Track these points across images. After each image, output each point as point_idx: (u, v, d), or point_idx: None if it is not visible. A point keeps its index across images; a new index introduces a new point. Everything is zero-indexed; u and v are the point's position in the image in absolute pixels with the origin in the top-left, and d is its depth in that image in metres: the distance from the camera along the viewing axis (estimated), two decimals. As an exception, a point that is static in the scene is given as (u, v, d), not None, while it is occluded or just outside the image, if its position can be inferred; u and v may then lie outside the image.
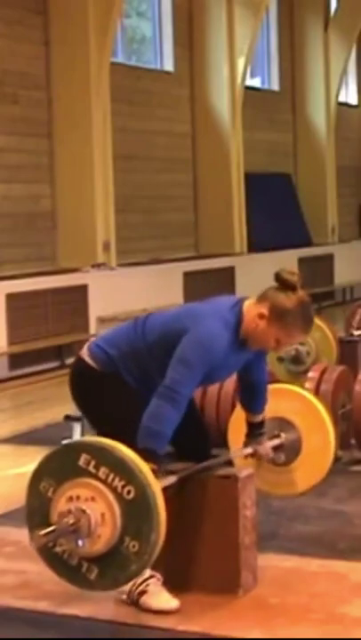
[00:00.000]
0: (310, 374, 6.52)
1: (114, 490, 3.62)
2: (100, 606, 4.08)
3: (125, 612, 4.01)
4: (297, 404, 4.70)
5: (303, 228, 17.90)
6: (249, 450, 4.49)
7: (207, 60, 15.40)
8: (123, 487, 3.61)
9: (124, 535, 3.61)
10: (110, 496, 3.62)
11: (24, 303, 11.05)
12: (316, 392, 6.36)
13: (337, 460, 6.33)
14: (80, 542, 3.63)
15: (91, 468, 3.66)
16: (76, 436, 6.94)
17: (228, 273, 14.80)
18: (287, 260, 16.36)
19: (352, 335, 8.49)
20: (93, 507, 3.62)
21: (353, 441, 6.39)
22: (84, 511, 3.62)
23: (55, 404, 8.47)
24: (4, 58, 11.83)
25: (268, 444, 4.54)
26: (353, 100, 20.92)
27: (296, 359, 7.39)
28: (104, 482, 3.63)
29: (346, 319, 9.43)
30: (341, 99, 19.51)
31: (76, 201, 12.39)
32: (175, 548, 4.13)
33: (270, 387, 4.57)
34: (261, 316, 4.03)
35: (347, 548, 4.80)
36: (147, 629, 3.89)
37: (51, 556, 3.75)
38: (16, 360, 10.94)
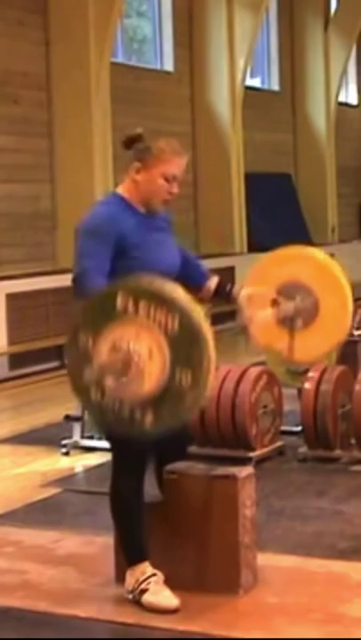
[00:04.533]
0: (310, 374, 6.52)
1: (157, 323, 3.52)
2: (100, 606, 4.08)
3: (125, 611, 4.01)
4: (311, 267, 4.54)
5: (303, 228, 17.90)
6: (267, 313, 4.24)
7: (207, 60, 15.40)
8: (166, 318, 3.52)
9: (174, 367, 3.50)
10: (155, 329, 3.52)
11: (24, 303, 11.05)
12: (316, 392, 6.37)
13: (337, 459, 6.37)
14: (130, 378, 3.50)
15: (130, 308, 3.55)
16: (76, 436, 6.95)
17: (228, 273, 14.78)
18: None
19: (352, 335, 8.48)
20: (139, 345, 3.52)
21: (353, 441, 6.39)
22: (129, 350, 3.51)
23: (55, 403, 8.47)
24: (4, 58, 11.83)
25: (283, 307, 4.33)
26: (353, 100, 20.93)
27: (296, 359, 7.37)
28: (146, 317, 3.53)
29: (346, 319, 9.40)
30: (341, 99, 19.52)
31: (76, 201, 12.37)
32: (175, 548, 4.14)
33: (282, 252, 4.52)
34: (137, 171, 4.08)
35: (347, 548, 4.80)
36: (147, 629, 3.89)
37: (101, 413, 3.62)
38: (16, 360, 10.93)
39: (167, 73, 15.07)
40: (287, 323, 4.43)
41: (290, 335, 4.45)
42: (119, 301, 3.57)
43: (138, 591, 4.03)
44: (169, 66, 15.12)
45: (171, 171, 4.11)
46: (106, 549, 4.41)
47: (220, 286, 4.41)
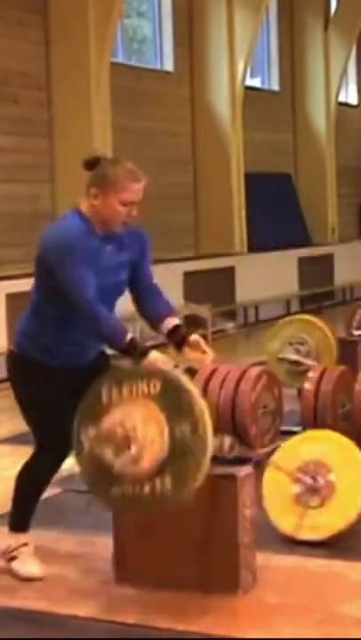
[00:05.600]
0: (310, 374, 6.52)
1: (142, 394, 3.72)
2: (100, 606, 4.08)
3: (125, 611, 4.02)
4: (333, 446, 4.87)
5: (303, 228, 17.90)
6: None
7: (207, 60, 15.39)
8: (148, 387, 3.71)
9: (172, 425, 3.66)
10: (141, 399, 3.70)
11: (24, 303, 10.95)
12: (316, 392, 6.37)
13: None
14: (133, 450, 3.65)
15: (114, 396, 3.77)
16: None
17: (228, 273, 14.80)
18: (287, 260, 16.40)
19: (352, 335, 8.49)
20: (131, 420, 3.68)
21: (353, 441, 6.39)
22: (125, 428, 3.67)
23: (55, 403, 8.45)
24: (4, 58, 11.82)
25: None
26: (353, 100, 20.92)
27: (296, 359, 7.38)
28: (130, 395, 3.73)
29: (346, 319, 9.42)
30: (341, 99, 19.50)
31: (76, 201, 12.38)
32: (174, 547, 4.14)
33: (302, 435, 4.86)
34: (95, 196, 4.23)
35: (347, 548, 4.80)
36: (146, 629, 3.89)
37: (128, 502, 3.78)
38: (16, 360, 10.92)
39: (167, 73, 15.07)
40: (302, 501, 4.72)
41: (301, 513, 4.71)
42: (104, 395, 3.82)
43: (9, 557, 4.42)
44: (169, 66, 15.11)
45: (128, 198, 4.24)
46: (106, 549, 4.41)
47: (176, 329, 4.32)
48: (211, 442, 3.74)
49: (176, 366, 4.12)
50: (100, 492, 3.90)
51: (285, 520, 4.75)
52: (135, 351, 4.02)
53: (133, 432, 3.68)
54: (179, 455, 3.68)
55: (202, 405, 3.70)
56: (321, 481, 4.75)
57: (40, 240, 4.27)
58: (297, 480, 4.73)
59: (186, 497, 3.77)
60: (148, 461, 3.68)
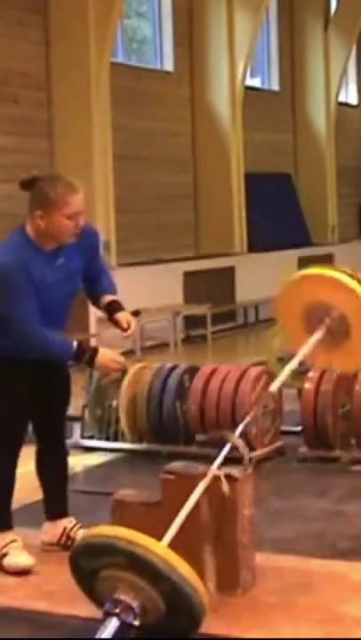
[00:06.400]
0: (310, 374, 6.52)
1: (115, 567, 3.67)
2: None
3: (125, 611, 4.01)
4: (338, 291, 4.42)
5: (303, 228, 17.90)
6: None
7: (207, 60, 15.40)
8: (115, 560, 3.67)
9: (154, 586, 3.63)
10: (117, 574, 3.67)
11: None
12: (316, 392, 6.37)
13: (337, 459, 6.36)
14: (136, 610, 3.66)
15: (98, 576, 3.75)
16: (76, 436, 6.94)
17: (228, 273, 14.80)
18: (287, 260, 16.39)
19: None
20: (119, 592, 3.67)
21: (353, 441, 6.39)
22: (117, 601, 3.66)
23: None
24: (4, 58, 11.83)
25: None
26: (353, 100, 20.93)
27: (296, 359, 7.37)
28: (109, 570, 3.70)
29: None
30: (341, 99, 19.51)
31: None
32: (173, 548, 4.13)
33: (307, 272, 4.50)
34: (40, 217, 4.28)
35: (347, 548, 4.80)
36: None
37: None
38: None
39: (167, 73, 15.07)
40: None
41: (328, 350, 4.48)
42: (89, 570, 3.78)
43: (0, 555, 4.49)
44: (169, 66, 15.12)
45: (72, 210, 4.30)
46: (106, 549, 4.40)
47: (110, 305, 4.64)
48: (197, 582, 3.67)
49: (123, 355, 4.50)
50: None
51: (320, 361, 4.68)
52: (85, 355, 4.31)
53: (127, 606, 3.66)
54: (176, 605, 3.65)
55: (171, 563, 3.63)
56: (329, 320, 4.37)
57: None
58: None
59: (203, 622, 3.75)
60: (153, 619, 3.71)
